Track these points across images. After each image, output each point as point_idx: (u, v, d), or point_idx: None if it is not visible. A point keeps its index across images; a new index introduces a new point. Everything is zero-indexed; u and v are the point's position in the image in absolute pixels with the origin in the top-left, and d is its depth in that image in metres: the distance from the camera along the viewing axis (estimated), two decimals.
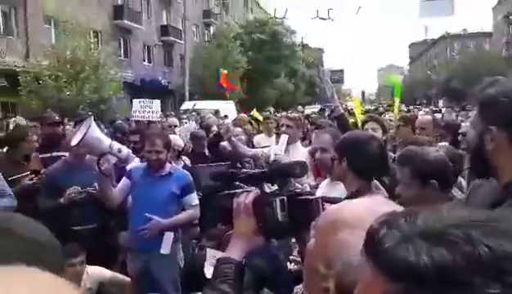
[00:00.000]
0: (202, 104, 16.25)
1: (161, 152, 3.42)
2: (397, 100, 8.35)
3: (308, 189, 1.92)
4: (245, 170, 1.39)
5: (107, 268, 3.51)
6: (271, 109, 21.66)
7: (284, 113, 8.10)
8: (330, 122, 4.28)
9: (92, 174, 3.30)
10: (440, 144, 3.11)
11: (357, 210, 0.86)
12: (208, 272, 2.98)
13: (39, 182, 3.77)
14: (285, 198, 1.19)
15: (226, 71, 15.55)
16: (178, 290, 3.49)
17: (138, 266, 3.48)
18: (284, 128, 4.17)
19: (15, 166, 3.98)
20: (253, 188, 1.31)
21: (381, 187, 1.97)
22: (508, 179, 1.21)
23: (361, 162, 1.87)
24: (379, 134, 3.69)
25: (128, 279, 3.48)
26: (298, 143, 4.23)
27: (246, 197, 1.26)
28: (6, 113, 17.35)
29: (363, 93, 63.17)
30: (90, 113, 3.13)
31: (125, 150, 3.13)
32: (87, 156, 3.26)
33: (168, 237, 3.40)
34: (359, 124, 6.28)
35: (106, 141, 3.01)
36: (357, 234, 0.77)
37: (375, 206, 0.86)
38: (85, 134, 2.86)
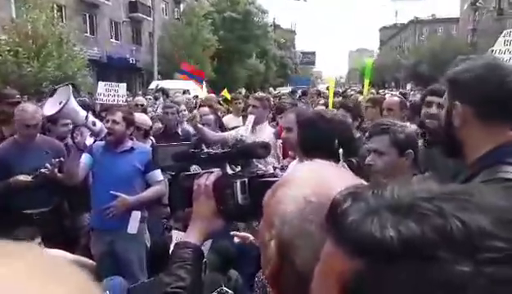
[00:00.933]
0: (171, 84, 15.95)
1: (118, 122, 3.29)
2: (366, 82, 8.41)
3: (272, 170, 1.88)
4: (207, 150, 1.32)
5: (69, 251, 3.39)
6: (243, 90, 21.52)
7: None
8: (294, 102, 4.25)
9: (43, 155, 3.13)
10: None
11: (299, 169, 0.82)
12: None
13: None
14: (246, 179, 1.13)
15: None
16: (144, 271, 3.42)
17: (103, 247, 3.37)
18: (251, 108, 4.13)
19: None
20: (216, 169, 1.25)
21: (347, 167, 1.95)
22: (477, 154, 1.20)
23: (308, 141, 1.88)
24: (348, 120, 3.69)
25: (92, 262, 3.38)
26: (266, 123, 4.19)
27: (207, 178, 1.20)
28: None
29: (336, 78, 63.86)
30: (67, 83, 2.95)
31: (99, 124, 3.04)
32: (38, 136, 3.10)
33: (136, 216, 3.31)
34: (330, 107, 6.31)
35: (82, 113, 2.88)
36: (294, 189, 0.73)
37: (320, 167, 0.81)
38: (65, 104, 2.72)
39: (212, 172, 1.23)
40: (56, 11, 16.74)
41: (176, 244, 1.20)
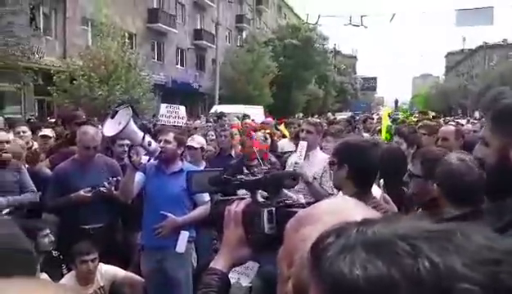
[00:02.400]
0: (230, 108, 16.32)
1: (170, 142, 3.42)
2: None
3: (302, 200, 1.84)
4: (239, 176, 1.33)
5: (121, 268, 3.53)
6: (300, 115, 21.52)
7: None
8: (341, 128, 4.17)
9: (101, 173, 3.29)
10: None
11: (327, 206, 0.79)
12: None
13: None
14: (273, 209, 1.13)
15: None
16: (190, 291, 3.47)
17: (152, 265, 3.47)
18: (304, 134, 4.07)
19: None
20: (247, 196, 1.26)
21: (389, 199, 1.88)
22: None
23: (361, 170, 1.80)
24: (403, 147, 3.58)
25: (140, 279, 3.49)
26: (318, 149, 4.13)
27: (237, 205, 1.21)
28: (42, 110, 18.05)
29: (396, 102, 62.15)
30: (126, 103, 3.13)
31: (154, 144, 3.18)
32: (97, 155, 3.29)
33: (184, 236, 3.39)
34: (383, 135, 6.12)
35: (140, 134, 3.04)
36: (320, 229, 0.72)
37: (347, 205, 0.78)
38: (125, 126, 2.88)
39: (243, 199, 1.24)
40: (127, 39, 17.92)
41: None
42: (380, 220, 0.48)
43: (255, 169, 3.57)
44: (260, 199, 1.24)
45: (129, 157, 3.10)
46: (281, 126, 10.78)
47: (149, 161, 3.38)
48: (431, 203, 1.81)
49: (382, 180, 1.82)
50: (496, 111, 1.20)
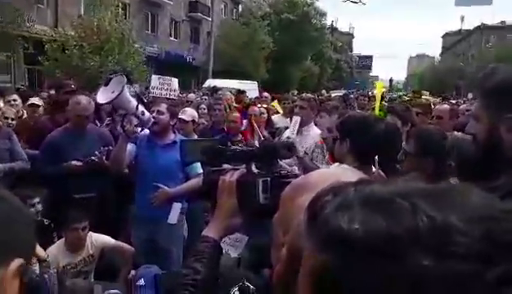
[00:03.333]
0: (224, 83, 16.19)
1: (163, 113, 3.39)
2: (377, 104, 7.71)
3: (297, 172, 1.85)
4: (234, 147, 1.32)
5: (114, 237, 3.56)
6: (295, 92, 21.45)
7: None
8: (336, 104, 4.18)
9: (93, 143, 3.26)
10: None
11: (323, 174, 0.79)
12: None
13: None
14: (268, 179, 1.14)
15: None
16: (180, 261, 3.50)
17: (143, 235, 3.49)
18: (297, 109, 4.09)
19: None
20: (242, 166, 1.26)
21: (384, 176, 1.88)
22: None
23: (364, 145, 1.80)
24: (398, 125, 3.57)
25: (131, 248, 3.51)
26: (312, 124, 4.13)
27: (231, 175, 1.21)
28: (32, 79, 17.79)
29: (391, 81, 61.99)
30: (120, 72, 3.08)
31: (147, 114, 3.14)
32: (89, 125, 3.26)
33: (176, 207, 3.40)
34: (376, 112, 6.11)
35: (133, 103, 3.00)
36: None
37: (344, 173, 0.78)
38: (119, 94, 2.84)
39: (238, 169, 1.23)
40: (120, 9, 17.55)
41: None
42: (377, 182, 0.48)
43: (239, 145, 3.57)
44: (255, 170, 1.24)
45: (122, 126, 3.07)
46: (275, 102, 10.74)
47: (141, 131, 3.35)
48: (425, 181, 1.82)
49: (377, 157, 1.82)
50: (486, 87, 1.21)
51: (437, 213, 0.40)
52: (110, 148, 3.50)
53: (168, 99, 7.01)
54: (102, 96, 2.99)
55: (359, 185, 0.48)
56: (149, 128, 3.38)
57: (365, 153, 1.84)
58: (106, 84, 2.95)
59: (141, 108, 3.05)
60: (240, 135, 4.50)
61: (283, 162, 1.62)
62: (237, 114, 4.63)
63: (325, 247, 0.44)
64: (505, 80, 1.14)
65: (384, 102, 7.65)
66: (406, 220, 0.41)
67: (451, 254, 0.39)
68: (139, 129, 3.20)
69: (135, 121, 3.11)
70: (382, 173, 1.84)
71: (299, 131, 3.93)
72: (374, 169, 1.84)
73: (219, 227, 1.19)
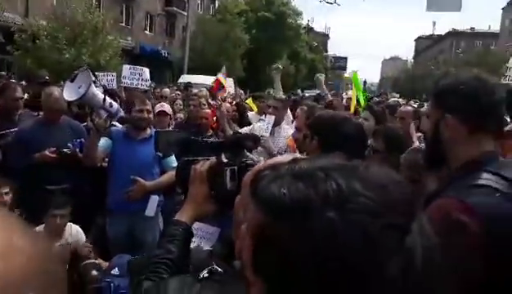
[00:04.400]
0: (200, 79, 16.12)
1: (151, 111, 3.45)
2: (353, 94, 7.81)
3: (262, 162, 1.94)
4: (205, 138, 1.40)
5: (85, 230, 3.58)
6: (271, 91, 21.49)
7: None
8: (314, 104, 4.29)
9: (66, 135, 3.24)
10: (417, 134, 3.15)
11: (279, 160, 0.87)
12: None
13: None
14: (235, 168, 1.22)
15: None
16: None
17: (120, 228, 3.51)
18: (270, 110, 4.15)
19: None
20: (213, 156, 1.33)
21: None
22: (461, 163, 1.23)
23: (333, 142, 1.88)
24: (371, 123, 3.71)
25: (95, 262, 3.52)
26: (283, 124, 4.24)
27: (202, 164, 1.28)
28: (1, 69, 17.24)
29: (365, 83, 62.84)
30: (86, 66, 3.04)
31: (115, 105, 3.15)
32: (62, 117, 3.25)
33: (154, 200, 3.43)
34: (351, 108, 6.28)
35: (100, 96, 3.00)
36: None
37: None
38: (86, 90, 2.82)
39: (209, 159, 1.31)
40: (94, 1, 17.21)
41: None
42: (307, 159, 0.64)
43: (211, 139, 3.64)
44: (224, 160, 1.32)
45: (91, 120, 3.07)
46: (249, 100, 10.79)
47: (111, 126, 3.36)
48: None
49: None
50: (435, 89, 1.35)
51: (345, 181, 0.54)
52: (83, 140, 3.50)
53: (138, 89, 6.91)
54: (69, 93, 2.97)
55: (292, 163, 0.61)
56: (120, 122, 3.40)
57: (332, 150, 1.92)
58: (72, 80, 2.93)
59: (108, 100, 3.05)
60: (211, 131, 4.55)
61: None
62: (208, 111, 4.69)
63: (262, 208, 0.57)
64: (450, 84, 1.28)
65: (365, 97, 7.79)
66: (321, 187, 0.54)
67: (351, 210, 0.52)
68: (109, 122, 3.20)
69: (104, 114, 3.12)
70: None
71: (272, 131, 4.01)
72: None
73: (190, 212, 1.27)
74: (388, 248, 0.51)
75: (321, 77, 8.36)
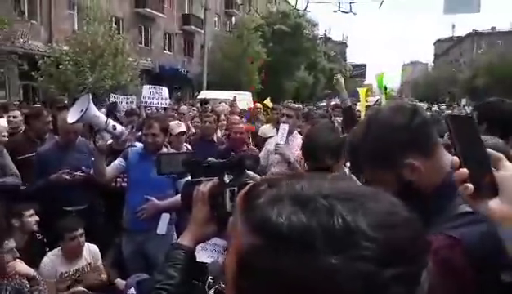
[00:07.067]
0: (218, 94, 16.27)
1: (157, 135, 3.47)
2: (383, 96, 8.01)
3: None
4: (208, 159, 1.39)
5: (103, 250, 3.63)
6: (290, 102, 21.45)
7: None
8: (322, 114, 4.27)
9: (82, 156, 3.32)
10: None
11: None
12: (198, 255, 3.03)
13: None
14: (235, 188, 1.20)
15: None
16: None
17: (134, 247, 3.55)
18: (284, 118, 4.16)
19: (30, 145, 4.11)
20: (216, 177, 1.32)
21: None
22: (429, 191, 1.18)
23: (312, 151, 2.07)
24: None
25: (104, 276, 3.57)
26: (296, 133, 4.23)
27: (204, 185, 1.28)
28: (27, 95, 17.81)
29: (385, 88, 62.05)
30: (87, 91, 3.23)
31: (119, 127, 3.21)
32: (78, 138, 3.33)
33: (165, 218, 3.44)
34: (362, 115, 6.22)
35: (102, 118, 3.07)
36: None
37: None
38: (84, 112, 2.93)
39: (212, 180, 1.30)
40: (113, 24, 17.65)
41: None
42: (308, 177, 0.56)
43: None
44: (227, 180, 1.31)
45: (94, 142, 3.15)
46: (267, 100, 10.77)
47: (130, 147, 3.42)
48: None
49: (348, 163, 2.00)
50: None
51: (351, 217, 0.48)
52: None
53: (159, 108, 7.06)
54: (71, 116, 3.10)
55: (291, 179, 0.55)
56: (146, 150, 3.47)
57: (314, 158, 2.17)
58: (73, 104, 3.06)
59: (111, 122, 3.13)
60: (245, 147, 4.54)
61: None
62: (242, 126, 4.65)
63: (254, 231, 0.51)
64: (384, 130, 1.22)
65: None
66: (324, 220, 0.48)
67: (357, 257, 0.46)
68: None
69: (107, 136, 3.19)
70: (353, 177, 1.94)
71: (287, 140, 4.00)
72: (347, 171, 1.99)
73: (193, 235, 1.25)
74: None
75: (341, 78, 8.38)
